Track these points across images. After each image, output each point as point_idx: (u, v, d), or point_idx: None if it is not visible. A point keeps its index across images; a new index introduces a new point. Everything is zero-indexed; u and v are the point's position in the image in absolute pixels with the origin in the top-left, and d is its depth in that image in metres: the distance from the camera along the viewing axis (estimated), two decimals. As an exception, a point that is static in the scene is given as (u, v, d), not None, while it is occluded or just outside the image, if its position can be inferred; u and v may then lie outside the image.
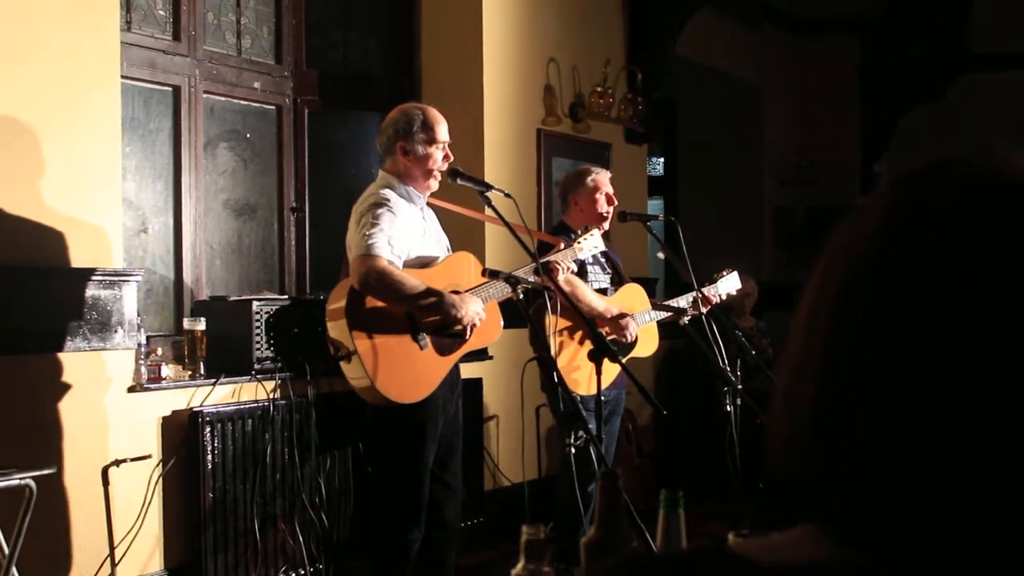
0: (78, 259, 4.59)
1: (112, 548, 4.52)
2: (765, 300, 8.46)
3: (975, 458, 0.77)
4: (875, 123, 10.61)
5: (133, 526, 4.73)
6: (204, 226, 5.82)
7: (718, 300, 5.37)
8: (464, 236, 5.03)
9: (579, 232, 5.14)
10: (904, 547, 0.79)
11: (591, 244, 4.87)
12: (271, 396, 5.16)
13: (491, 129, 6.76)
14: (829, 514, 0.84)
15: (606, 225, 5.37)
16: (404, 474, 4.32)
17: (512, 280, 4.22)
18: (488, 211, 4.42)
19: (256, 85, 6.14)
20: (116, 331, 4.71)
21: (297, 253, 6.32)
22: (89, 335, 4.61)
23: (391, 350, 4.19)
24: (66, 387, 4.55)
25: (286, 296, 5.63)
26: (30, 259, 4.44)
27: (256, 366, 5.09)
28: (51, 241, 4.51)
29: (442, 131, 4.42)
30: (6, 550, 4.03)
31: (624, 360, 5.13)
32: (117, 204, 4.81)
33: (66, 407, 4.54)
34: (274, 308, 5.16)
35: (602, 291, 5.28)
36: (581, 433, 3.99)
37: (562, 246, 4.78)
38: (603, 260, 5.37)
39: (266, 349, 5.12)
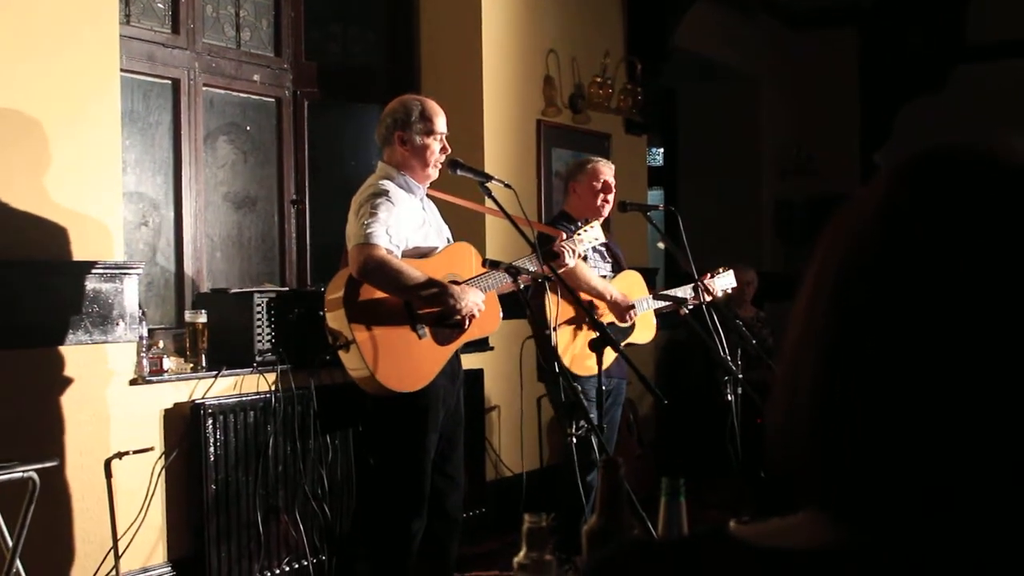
0: (79, 252, 4.60)
1: (115, 540, 4.53)
2: (765, 290, 8.47)
3: (974, 442, 0.77)
4: (874, 113, 10.60)
5: (136, 518, 4.73)
6: (204, 219, 5.82)
7: (717, 294, 5.39)
8: (464, 227, 5.04)
9: (580, 224, 5.15)
10: (904, 531, 0.80)
11: (591, 236, 4.88)
12: (273, 388, 5.17)
13: (491, 120, 6.76)
14: (829, 499, 0.85)
15: (605, 212, 5.38)
16: (405, 465, 4.32)
17: (513, 270, 4.22)
18: (488, 202, 4.42)
19: (255, 78, 6.14)
20: (118, 324, 4.71)
21: (297, 245, 6.32)
22: (91, 328, 4.62)
23: (389, 339, 4.19)
24: (68, 380, 4.56)
25: (287, 288, 5.64)
26: (31, 253, 4.44)
27: (257, 358, 5.09)
28: (52, 235, 4.52)
29: (440, 122, 4.42)
30: (10, 543, 4.04)
31: (621, 347, 5.15)
32: (118, 197, 4.82)
33: (68, 400, 4.55)
34: (275, 300, 5.16)
35: (602, 277, 5.31)
36: (582, 423, 4.00)
37: (564, 237, 4.79)
38: (603, 249, 5.39)
39: (267, 341, 5.12)
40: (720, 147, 10.45)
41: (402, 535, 4.31)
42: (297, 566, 5.24)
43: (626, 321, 5.22)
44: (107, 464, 4.52)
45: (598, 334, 4.04)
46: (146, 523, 4.78)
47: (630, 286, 5.40)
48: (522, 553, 2.01)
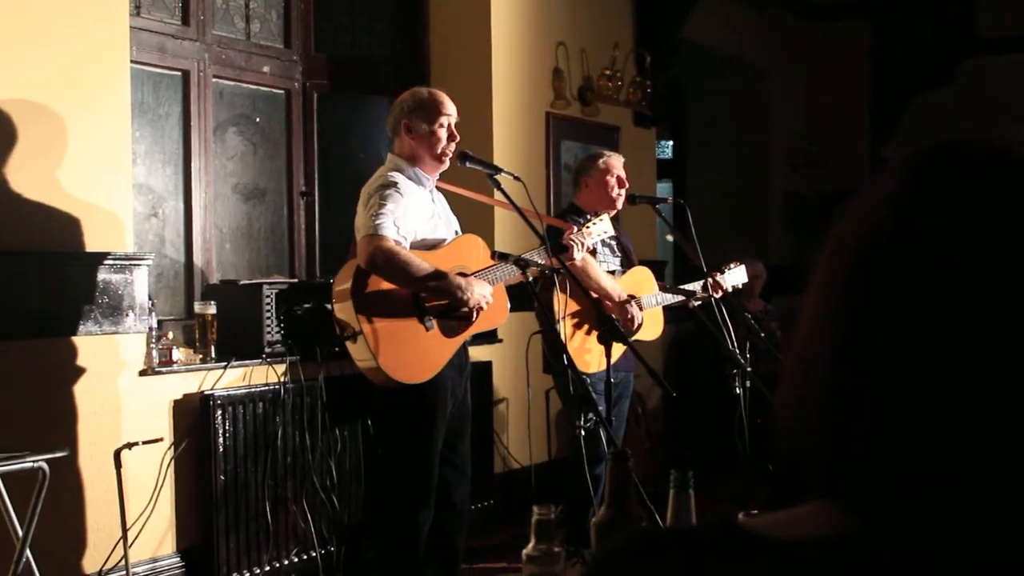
0: (89, 243, 4.61)
1: (125, 530, 4.54)
2: (773, 284, 8.46)
3: (985, 433, 0.78)
4: (884, 107, 10.58)
5: (145, 509, 4.75)
6: (214, 210, 5.83)
7: (728, 290, 5.37)
8: (473, 220, 5.04)
9: (589, 216, 5.15)
10: (914, 521, 0.80)
11: (600, 229, 4.87)
12: (282, 379, 5.18)
13: (500, 112, 6.76)
14: (838, 490, 0.85)
15: (619, 204, 5.38)
16: (413, 456, 4.32)
17: (522, 263, 4.22)
18: (497, 195, 4.42)
19: (265, 69, 6.14)
20: (127, 315, 4.73)
21: (307, 237, 6.32)
22: (101, 319, 4.63)
23: (396, 330, 4.19)
24: (78, 371, 4.57)
25: (296, 280, 5.65)
26: (41, 244, 4.45)
27: (267, 349, 5.10)
28: (62, 226, 4.53)
29: (446, 109, 4.40)
30: (20, 532, 4.06)
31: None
32: (128, 189, 4.83)
33: (78, 391, 4.57)
34: (284, 292, 5.17)
35: (611, 273, 5.29)
36: (590, 415, 3.99)
37: (574, 230, 4.78)
38: (612, 243, 5.38)
39: (276, 332, 5.13)
40: (729, 140, 10.43)
41: (409, 526, 4.31)
42: (305, 557, 5.26)
43: (630, 327, 5.17)
44: (117, 455, 4.53)
45: (606, 327, 4.03)
46: (155, 513, 4.80)
47: (639, 282, 5.39)
48: (531, 545, 2.01)
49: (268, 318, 5.10)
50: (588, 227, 4.82)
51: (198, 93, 5.71)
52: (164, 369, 4.86)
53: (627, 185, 5.40)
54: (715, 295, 5.12)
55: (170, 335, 5.04)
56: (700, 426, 8.11)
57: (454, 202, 4.77)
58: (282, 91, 6.28)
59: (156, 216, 5.58)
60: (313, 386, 5.25)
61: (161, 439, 4.81)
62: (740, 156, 10.40)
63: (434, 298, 4.23)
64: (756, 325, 5.10)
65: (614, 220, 5.51)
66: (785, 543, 0.85)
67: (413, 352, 4.22)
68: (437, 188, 4.56)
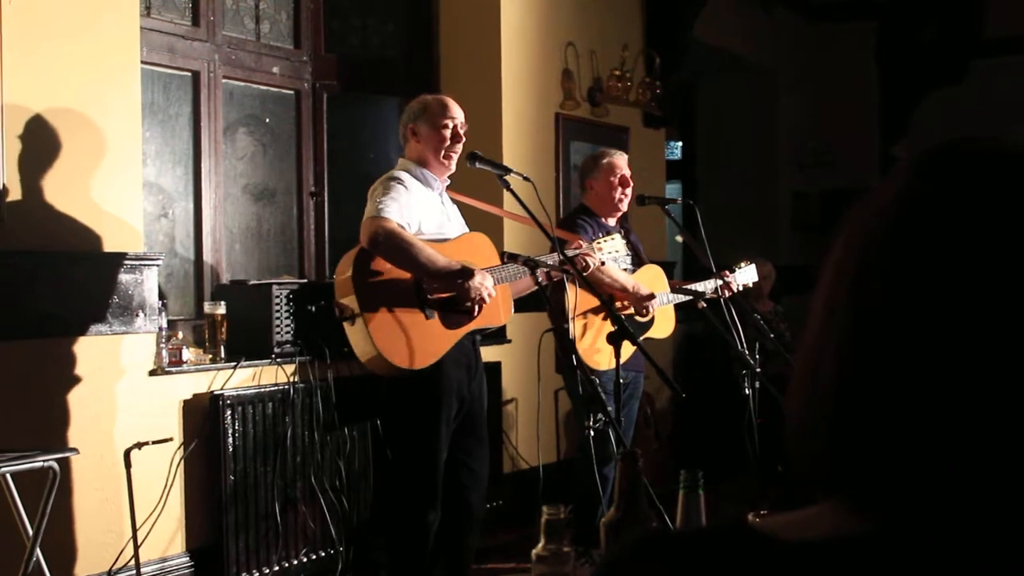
0: (99, 244, 4.62)
1: (134, 530, 4.55)
2: (783, 284, 8.44)
3: (997, 432, 0.78)
4: (892, 107, 10.56)
5: (155, 508, 4.76)
6: (224, 210, 5.84)
7: (737, 289, 5.36)
8: (482, 222, 5.03)
9: (597, 222, 5.16)
10: (925, 521, 0.80)
11: (611, 247, 4.80)
12: (291, 379, 5.19)
13: (509, 113, 6.76)
14: (849, 490, 0.85)
15: (624, 207, 5.37)
16: (416, 454, 4.32)
17: (531, 263, 4.22)
18: (507, 203, 4.42)
19: (275, 70, 6.15)
20: (137, 315, 4.74)
21: (316, 237, 6.33)
22: (111, 319, 4.64)
23: (395, 315, 4.20)
24: (89, 371, 4.59)
25: (305, 280, 5.65)
26: (52, 244, 4.47)
27: (276, 349, 5.11)
28: (73, 226, 4.54)
29: (450, 111, 4.43)
30: (30, 532, 4.07)
31: (639, 340, 5.14)
32: (138, 189, 4.84)
33: (88, 390, 4.58)
34: (294, 292, 5.18)
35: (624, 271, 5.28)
36: (599, 416, 3.99)
37: (582, 245, 4.75)
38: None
39: (286, 332, 5.14)
40: (738, 140, 10.42)
41: (417, 526, 4.31)
42: (315, 557, 5.27)
43: (644, 314, 5.19)
44: (126, 454, 4.54)
45: (616, 327, 4.03)
46: (165, 513, 4.81)
47: (651, 280, 5.38)
48: (540, 545, 2.01)
49: (277, 318, 5.11)
50: (599, 243, 4.77)
51: (208, 93, 5.72)
52: (174, 369, 4.87)
53: (632, 184, 5.38)
54: (724, 294, 5.10)
55: (180, 335, 5.05)
56: (709, 427, 8.10)
57: (462, 208, 4.77)
58: (292, 92, 6.28)
59: (166, 216, 5.59)
60: (322, 386, 5.26)
61: (171, 439, 4.81)
62: (749, 156, 10.39)
63: (436, 286, 4.23)
64: (765, 326, 5.10)
65: (623, 220, 5.51)
66: (796, 544, 0.85)
67: (410, 338, 4.21)
68: (454, 199, 4.60)
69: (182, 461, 4.90)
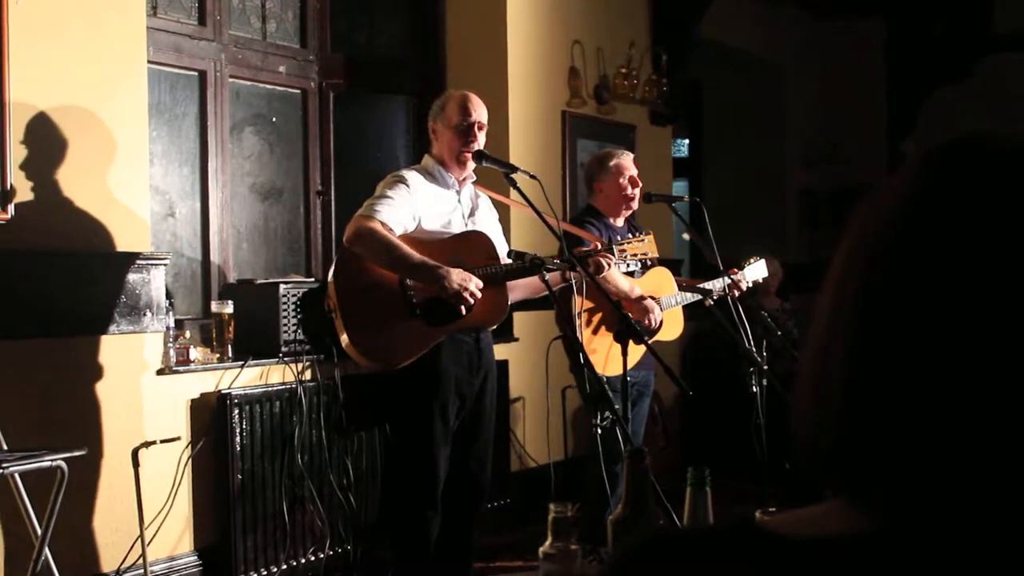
0: (106, 244, 4.63)
1: (142, 529, 4.56)
2: (790, 281, 8.43)
3: (1007, 430, 0.77)
4: (900, 103, 10.55)
5: (163, 508, 4.77)
6: (231, 210, 5.84)
7: (746, 287, 5.34)
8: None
9: (606, 222, 5.15)
10: (934, 521, 0.80)
11: (641, 249, 4.66)
12: (298, 378, 5.19)
13: (516, 111, 6.76)
14: (859, 488, 0.85)
15: (635, 205, 5.35)
16: (414, 451, 4.34)
17: (538, 262, 4.20)
18: (514, 197, 4.41)
19: (281, 69, 6.16)
20: (145, 314, 4.74)
21: (323, 236, 6.34)
22: (118, 319, 4.65)
23: (374, 312, 4.23)
24: (96, 370, 4.59)
25: (312, 279, 5.65)
26: (59, 244, 4.47)
27: (283, 348, 5.12)
28: (79, 226, 4.54)
29: (463, 111, 4.43)
30: (39, 531, 4.07)
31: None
32: (145, 189, 4.85)
33: (96, 390, 4.58)
34: (301, 291, 5.19)
35: (629, 274, 5.25)
36: (607, 414, 3.99)
37: (598, 245, 4.70)
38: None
39: (293, 331, 5.15)
40: (745, 137, 10.41)
41: (417, 523, 4.33)
42: (322, 555, 5.27)
43: (650, 324, 5.14)
44: (134, 453, 4.54)
45: (623, 327, 4.02)
46: (173, 512, 4.81)
47: (659, 283, 5.35)
48: (547, 543, 2.01)
49: (285, 317, 5.11)
50: (627, 247, 4.68)
51: (215, 93, 5.73)
52: (181, 368, 4.87)
53: (640, 184, 5.36)
54: (735, 293, 5.08)
55: (187, 334, 5.06)
56: (717, 425, 8.10)
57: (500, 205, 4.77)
58: (298, 91, 6.29)
59: (173, 216, 5.59)
60: (330, 385, 5.27)
61: (178, 438, 4.82)
62: (756, 153, 10.38)
63: (418, 284, 4.23)
64: (773, 323, 5.09)
65: (630, 218, 5.49)
66: (803, 542, 0.84)
67: (388, 335, 4.25)
68: (486, 194, 4.60)
69: (190, 460, 4.90)
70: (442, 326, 4.27)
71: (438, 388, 4.29)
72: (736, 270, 5.33)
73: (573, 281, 4.53)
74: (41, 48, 4.41)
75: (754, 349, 4.75)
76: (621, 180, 5.28)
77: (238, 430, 4.94)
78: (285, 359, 5.15)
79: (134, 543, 4.63)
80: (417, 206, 4.30)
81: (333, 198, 6.36)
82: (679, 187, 10.35)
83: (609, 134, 7.45)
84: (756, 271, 5.48)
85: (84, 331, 4.55)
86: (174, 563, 4.88)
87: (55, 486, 4.02)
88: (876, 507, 0.83)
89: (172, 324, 4.92)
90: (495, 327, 4.50)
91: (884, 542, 0.82)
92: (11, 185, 4.28)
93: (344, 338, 4.22)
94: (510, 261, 4.37)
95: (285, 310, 5.12)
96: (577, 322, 4.67)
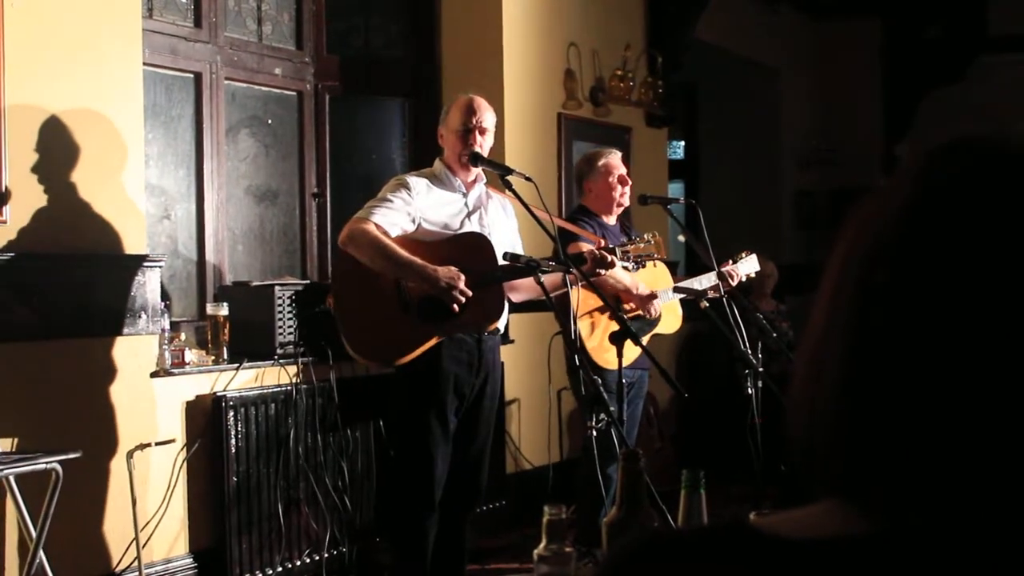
0: (102, 245, 4.62)
1: (137, 532, 4.56)
2: (786, 283, 8.43)
3: (1004, 432, 0.77)
4: (896, 104, 10.56)
5: (158, 510, 4.76)
6: (226, 212, 5.84)
7: (739, 280, 5.33)
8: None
9: (598, 219, 5.15)
10: (930, 522, 0.80)
11: (648, 251, 4.68)
12: (294, 380, 5.19)
13: (512, 113, 6.76)
14: (854, 489, 0.85)
15: (625, 201, 5.36)
16: (410, 450, 4.35)
17: (533, 264, 4.20)
18: (508, 195, 4.42)
19: (277, 71, 6.15)
20: (140, 316, 4.74)
21: (319, 238, 6.33)
22: (113, 321, 4.64)
23: (369, 311, 4.29)
24: (91, 372, 4.59)
25: (308, 281, 5.66)
26: (54, 246, 4.47)
27: (279, 351, 5.12)
28: (75, 228, 4.54)
29: (465, 117, 4.45)
30: (33, 533, 4.07)
31: (647, 336, 5.12)
32: (140, 191, 4.84)
33: (91, 392, 4.58)
34: (296, 293, 5.19)
35: (626, 270, 5.25)
36: (603, 416, 3.99)
37: (600, 243, 4.69)
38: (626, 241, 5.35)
39: (288, 334, 5.15)
40: (741, 139, 10.41)
41: (413, 523, 4.34)
42: (317, 558, 5.27)
43: (651, 315, 5.18)
44: (129, 456, 4.54)
45: (619, 327, 4.02)
46: (168, 514, 4.81)
47: (656, 277, 5.36)
48: (542, 545, 2.01)
49: (280, 319, 5.11)
50: (631, 247, 4.66)
51: (210, 95, 5.72)
52: (177, 370, 4.87)
53: (630, 182, 5.37)
54: (727, 286, 5.07)
55: (182, 336, 5.05)
56: (712, 426, 8.10)
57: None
58: (294, 93, 6.29)
59: (169, 218, 5.59)
60: (325, 387, 5.27)
61: (174, 440, 4.82)
62: (752, 155, 10.38)
63: (414, 285, 4.26)
64: (768, 325, 5.09)
65: (624, 218, 5.50)
66: (797, 543, 0.84)
67: (382, 334, 4.30)
68: (503, 198, 4.66)
69: (185, 462, 4.90)
70: (437, 325, 4.29)
71: (437, 387, 4.30)
72: (729, 261, 5.32)
73: (570, 282, 4.53)
74: (37, 50, 4.40)
75: (749, 351, 4.75)
76: (610, 179, 5.30)
77: (233, 432, 4.94)
78: (280, 361, 5.15)
79: (129, 545, 4.63)
80: (417, 210, 4.34)
81: (329, 200, 6.35)
82: (675, 189, 10.35)
83: (605, 136, 7.45)
84: (748, 266, 5.47)
85: (79, 333, 4.54)
86: (169, 566, 4.87)
87: (50, 488, 4.02)
88: (871, 508, 0.83)
89: (167, 326, 4.91)
90: (496, 328, 4.50)
91: (879, 543, 0.82)
92: (6, 187, 4.28)
93: (343, 338, 4.26)
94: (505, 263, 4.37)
95: (280, 312, 5.12)
96: (575, 325, 4.67)
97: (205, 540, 5.00)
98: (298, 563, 5.19)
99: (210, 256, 5.69)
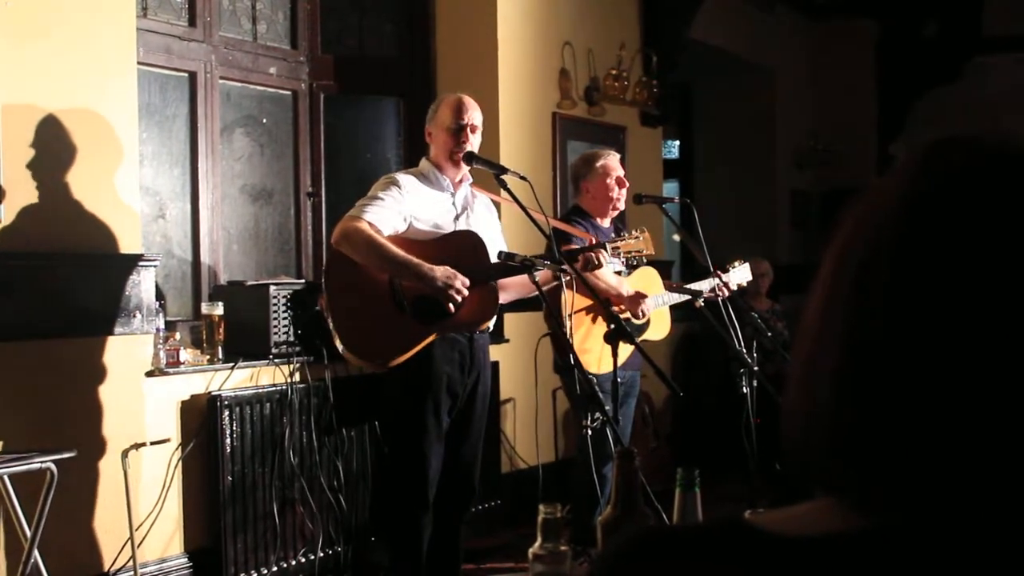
0: (96, 245, 4.62)
1: (132, 531, 4.55)
2: (781, 282, 8.45)
3: (998, 430, 0.78)
4: (891, 105, 10.57)
5: (153, 509, 4.76)
6: (221, 211, 5.84)
7: (733, 288, 5.33)
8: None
9: (592, 221, 5.16)
10: (924, 518, 0.80)
11: (636, 248, 4.73)
12: (289, 380, 5.19)
13: (507, 113, 6.76)
14: (848, 487, 0.85)
15: (621, 205, 5.36)
16: (405, 450, 4.35)
17: (528, 263, 4.20)
18: (503, 194, 4.42)
19: (272, 70, 6.15)
20: (135, 316, 4.73)
21: (313, 238, 6.33)
22: (108, 320, 4.64)
23: (364, 311, 4.26)
24: (86, 372, 4.58)
25: (303, 280, 5.65)
26: (49, 245, 4.46)
27: (274, 350, 5.11)
28: (70, 227, 4.54)
29: (455, 113, 4.45)
30: (28, 533, 4.07)
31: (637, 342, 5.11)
32: (135, 190, 4.84)
33: (86, 391, 4.58)
34: (291, 292, 5.18)
35: (616, 274, 5.25)
36: (597, 415, 3.99)
37: (592, 240, 4.72)
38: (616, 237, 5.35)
39: (283, 333, 5.14)
40: (736, 139, 10.42)
41: (408, 523, 4.33)
42: (313, 557, 5.26)
43: (640, 317, 5.17)
44: (124, 455, 4.54)
45: (613, 327, 4.02)
46: (163, 514, 4.81)
47: (647, 283, 5.35)
48: (537, 544, 2.01)
49: (275, 319, 5.11)
50: (621, 244, 4.71)
51: (205, 94, 5.72)
52: (172, 370, 4.87)
53: (627, 184, 5.37)
54: (721, 295, 5.08)
55: (178, 336, 5.05)
56: (707, 426, 8.11)
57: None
58: (289, 92, 6.29)
59: (163, 217, 5.59)
60: (320, 387, 5.26)
61: (168, 440, 4.82)
62: (747, 155, 10.39)
63: (409, 284, 4.25)
64: (763, 324, 5.10)
65: (619, 219, 5.50)
66: (793, 540, 0.85)
67: (378, 334, 4.27)
68: (486, 196, 4.64)
69: (180, 462, 4.90)
70: (431, 324, 4.28)
71: (430, 386, 4.30)
72: (719, 272, 5.32)
73: (563, 281, 4.53)
74: (31, 49, 4.40)
75: (744, 350, 4.75)
76: (608, 180, 5.29)
77: (228, 432, 4.93)
78: (275, 361, 5.14)
79: (124, 545, 4.62)
80: (408, 208, 4.33)
81: (323, 199, 6.36)
82: (669, 188, 10.36)
83: (599, 135, 7.46)
84: (740, 275, 5.48)
85: (74, 333, 4.54)
86: (164, 565, 4.87)
87: (45, 488, 4.02)
88: (866, 505, 0.83)
89: (162, 325, 4.91)
90: (487, 327, 4.50)
91: (874, 540, 0.82)
92: (1, 187, 4.27)
93: (336, 338, 4.24)
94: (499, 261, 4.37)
95: (275, 311, 5.11)
96: (568, 323, 4.67)
97: (200, 540, 5.00)
98: (293, 563, 5.19)
99: (205, 255, 5.69)
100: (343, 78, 6.49)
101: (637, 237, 4.71)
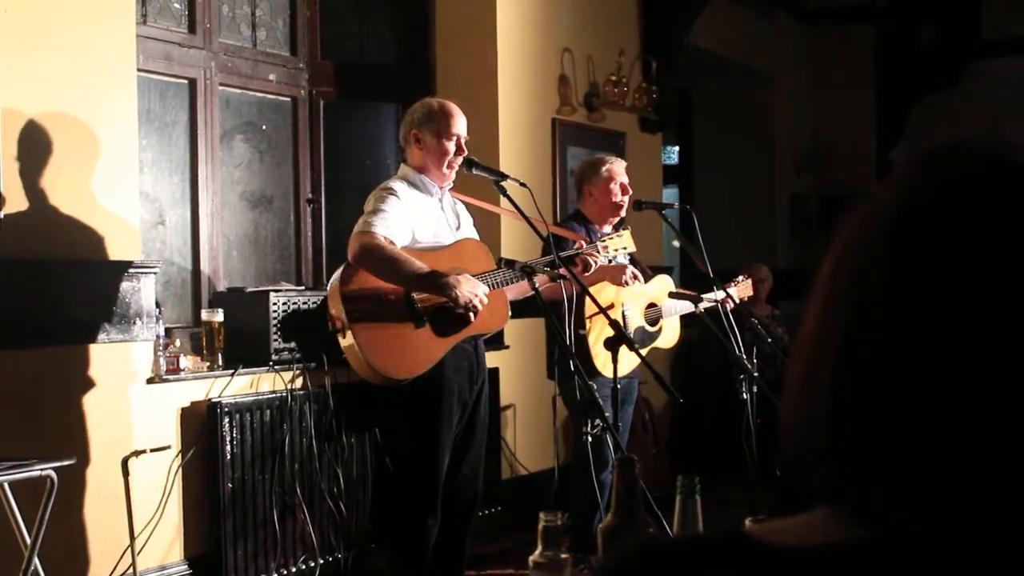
0: (96, 252, 4.62)
1: (132, 538, 4.55)
2: (780, 288, 8.45)
3: (996, 438, 0.77)
4: (889, 110, 10.58)
5: (153, 516, 4.76)
6: (221, 218, 5.84)
7: (736, 303, 5.33)
8: (479, 227, 5.04)
9: (594, 226, 5.16)
10: (923, 527, 0.80)
11: (619, 244, 4.79)
12: (289, 386, 5.18)
13: (506, 119, 6.76)
14: (846, 496, 0.85)
15: (623, 212, 5.37)
16: (419, 461, 4.33)
17: (528, 269, 4.21)
18: (504, 203, 4.42)
19: (271, 77, 6.15)
20: (135, 323, 4.73)
21: (313, 244, 6.33)
22: (107, 327, 4.63)
23: (384, 325, 4.22)
24: (86, 379, 4.58)
25: (303, 287, 5.65)
26: (48, 252, 4.46)
27: (274, 357, 5.11)
28: (69, 234, 4.53)
29: (456, 124, 4.44)
30: (28, 540, 4.06)
31: (647, 349, 5.12)
32: (134, 197, 4.84)
33: (86, 399, 4.57)
34: (291, 299, 5.18)
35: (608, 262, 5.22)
36: (597, 421, 3.98)
37: (583, 244, 4.75)
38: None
39: (283, 340, 5.14)
40: (735, 144, 10.42)
41: (417, 533, 4.32)
42: (313, 564, 5.26)
43: (624, 285, 5.07)
44: (124, 462, 4.53)
45: (614, 332, 4.02)
46: (163, 521, 4.80)
47: (659, 287, 5.37)
48: (537, 551, 2.01)
49: (275, 325, 5.11)
50: (608, 242, 4.77)
51: (204, 101, 5.72)
52: (171, 377, 4.86)
53: (631, 192, 5.37)
54: (727, 307, 5.09)
55: (177, 343, 5.05)
56: (707, 432, 8.10)
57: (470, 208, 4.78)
58: (288, 98, 6.29)
59: (163, 224, 5.59)
60: (320, 393, 5.26)
61: (169, 447, 4.81)
62: (746, 160, 10.39)
63: (426, 295, 4.23)
64: (763, 330, 5.09)
65: (618, 226, 5.49)
66: (792, 551, 0.84)
67: (400, 347, 4.24)
68: (457, 199, 4.60)
69: (180, 469, 4.89)
70: (449, 335, 4.29)
71: (442, 398, 4.29)
72: (730, 285, 5.35)
73: (562, 284, 4.54)
74: (30, 56, 4.40)
75: (744, 356, 4.75)
76: (612, 186, 5.30)
77: (228, 438, 4.93)
78: (275, 367, 5.14)
79: (124, 552, 4.62)
80: (410, 216, 4.30)
81: (323, 206, 6.36)
82: (669, 194, 10.35)
83: (599, 141, 7.46)
84: (742, 291, 5.53)
85: (74, 340, 4.54)
86: (164, 572, 4.87)
87: (45, 495, 4.00)
88: (864, 514, 0.83)
89: (162, 332, 4.91)
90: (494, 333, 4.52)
91: (873, 549, 0.82)
92: (0, 194, 4.27)
93: (360, 356, 4.16)
94: (502, 268, 4.38)
95: (275, 318, 5.11)
96: (568, 331, 4.67)
97: (200, 546, 4.99)
98: (293, 569, 5.18)
99: (204, 262, 5.69)
100: (343, 84, 6.49)
101: (620, 235, 4.77)
